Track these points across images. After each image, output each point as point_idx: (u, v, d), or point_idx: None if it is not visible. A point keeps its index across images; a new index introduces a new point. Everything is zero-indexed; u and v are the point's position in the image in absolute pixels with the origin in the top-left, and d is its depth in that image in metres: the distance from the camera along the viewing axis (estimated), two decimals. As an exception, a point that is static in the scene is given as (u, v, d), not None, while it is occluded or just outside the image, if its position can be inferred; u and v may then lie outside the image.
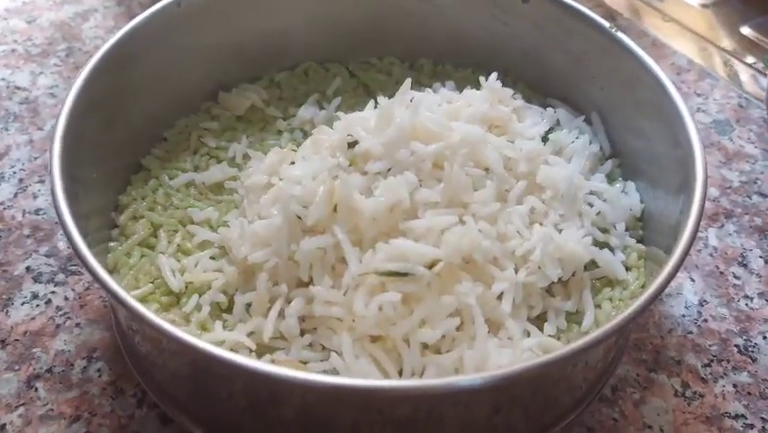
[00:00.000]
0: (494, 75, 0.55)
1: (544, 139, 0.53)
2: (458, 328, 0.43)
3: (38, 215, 0.59)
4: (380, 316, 0.42)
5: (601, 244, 0.49)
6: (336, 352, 0.42)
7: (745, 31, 0.84)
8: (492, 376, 0.36)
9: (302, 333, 0.44)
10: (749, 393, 0.50)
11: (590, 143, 0.55)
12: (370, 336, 0.43)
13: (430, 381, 0.39)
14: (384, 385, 0.37)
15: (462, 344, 0.42)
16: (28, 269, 0.55)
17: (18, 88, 0.70)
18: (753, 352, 0.52)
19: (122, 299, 0.36)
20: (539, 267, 0.45)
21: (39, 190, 0.61)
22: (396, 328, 0.42)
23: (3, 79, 0.71)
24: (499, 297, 0.44)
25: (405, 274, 0.43)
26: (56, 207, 0.41)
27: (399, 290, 0.42)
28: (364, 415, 0.41)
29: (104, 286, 0.37)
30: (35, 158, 0.63)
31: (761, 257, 0.58)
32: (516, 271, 0.45)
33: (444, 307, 0.42)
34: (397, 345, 0.42)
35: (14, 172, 0.62)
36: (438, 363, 0.42)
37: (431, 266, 0.43)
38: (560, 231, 0.47)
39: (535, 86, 0.61)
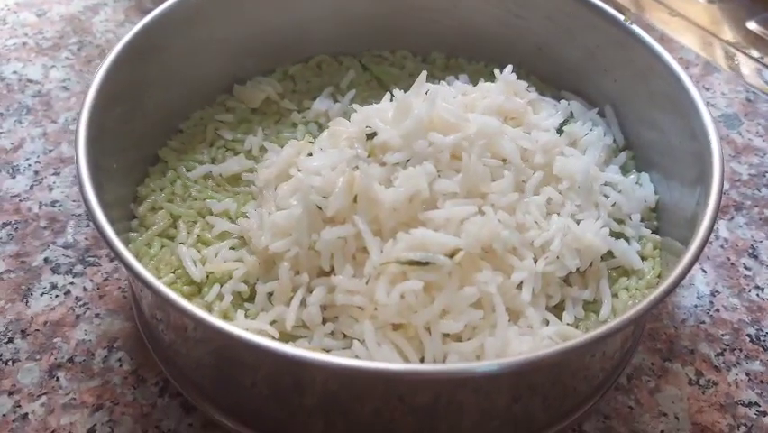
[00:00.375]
0: (509, 67, 0.55)
1: (559, 131, 0.54)
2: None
3: (54, 207, 0.59)
4: (402, 304, 0.42)
5: (617, 235, 0.50)
6: (358, 340, 0.43)
7: (751, 26, 0.85)
8: (513, 362, 0.37)
9: (324, 321, 0.44)
10: (762, 381, 0.51)
11: (604, 135, 0.55)
12: (391, 325, 0.43)
13: (451, 365, 0.40)
14: (406, 369, 0.38)
15: (483, 332, 0.43)
16: (46, 260, 0.55)
17: (30, 81, 0.70)
18: (765, 341, 0.53)
19: (151, 284, 0.37)
20: (557, 257, 0.46)
21: (54, 183, 0.61)
22: (417, 316, 0.42)
23: (15, 72, 0.71)
24: (519, 286, 0.45)
25: (426, 263, 0.43)
26: (83, 196, 0.41)
27: (421, 279, 0.43)
28: (385, 402, 0.41)
29: (133, 272, 0.38)
30: (50, 150, 0.64)
31: (771, 248, 0.59)
32: (535, 260, 0.45)
33: (466, 297, 0.43)
34: (419, 333, 0.43)
35: (29, 165, 0.62)
36: (460, 351, 0.42)
37: (451, 255, 0.43)
38: (577, 222, 0.48)
39: (549, 79, 0.61)
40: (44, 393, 0.48)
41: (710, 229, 0.42)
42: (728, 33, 0.84)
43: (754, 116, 0.71)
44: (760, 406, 0.49)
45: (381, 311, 0.43)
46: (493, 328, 0.43)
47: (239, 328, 0.35)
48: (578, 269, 0.47)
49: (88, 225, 0.58)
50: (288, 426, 0.44)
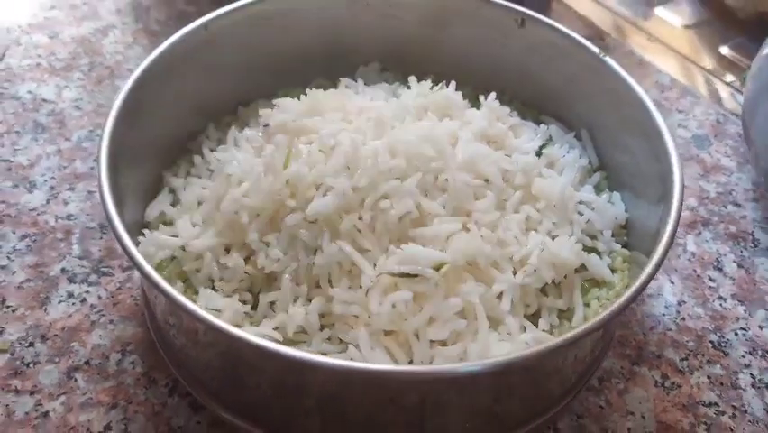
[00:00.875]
0: (492, 94, 0.60)
1: (538, 153, 0.59)
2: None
3: (69, 220, 0.63)
4: (394, 313, 0.47)
5: (590, 249, 0.54)
6: (353, 345, 0.47)
7: (724, 51, 0.90)
8: (493, 362, 0.41)
9: (321, 328, 0.49)
10: (722, 384, 0.55)
11: (580, 157, 0.60)
12: (383, 331, 0.48)
13: (437, 366, 0.44)
14: (396, 369, 0.42)
15: (466, 338, 0.47)
16: (63, 270, 0.60)
17: (45, 101, 0.74)
18: (725, 347, 0.58)
19: (167, 292, 0.41)
20: (535, 270, 0.50)
21: (69, 197, 0.65)
22: (407, 324, 0.47)
23: (29, 92, 0.75)
24: (499, 296, 0.49)
25: (415, 276, 0.48)
26: (104, 207, 0.45)
27: (410, 290, 0.47)
28: (377, 401, 0.46)
29: (149, 279, 0.42)
30: (64, 167, 0.68)
31: (734, 262, 0.64)
32: (515, 273, 0.50)
33: (451, 306, 0.47)
34: (409, 339, 0.47)
35: (45, 180, 0.67)
36: (445, 355, 0.47)
37: (438, 268, 0.48)
38: (553, 238, 0.52)
39: (530, 103, 0.66)
40: (63, 393, 0.52)
41: (670, 243, 0.47)
42: (703, 58, 0.90)
43: (723, 137, 0.76)
44: (719, 406, 0.54)
45: (374, 319, 0.47)
46: (475, 334, 0.48)
47: (246, 333, 0.39)
48: (553, 281, 0.51)
49: (101, 238, 0.62)
50: (289, 423, 0.48)
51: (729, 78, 0.87)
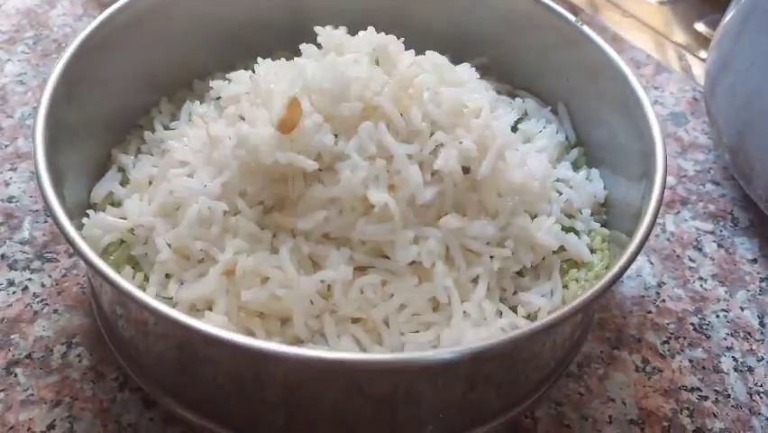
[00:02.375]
0: (465, 65, 0.57)
1: (514, 129, 0.56)
2: (435, 309, 0.45)
3: (11, 202, 0.59)
4: (361, 299, 0.44)
5: (568, 229, 0.52)
6: (318, 333, 0.44)
7: (699, 27, 0.88)
8: (467, 350, 0.38)
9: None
10: (704, 367, 0.53)
11: (557, 133, 0.57)
12: (351, 319, 0.44)
13: (408, 354, 0.41)
14: (364, 358, 0.39)
15: (440, 324, 0.44)
16: (2, 256, 0.55)
17: (-15, 75, 0.69)
18: (707, 330, 0.56)
19: (113, 280, 0.37)
20: (512, 253, 0.47)
21: (11, 178, 0.60)
22: (376, 311, 0.44)
23: (-32, 66, 0.70)
24: (474, 280, 0.46)
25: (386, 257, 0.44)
26: (41, 190, 0.41)
27: (380, 274, 0.44)
28: (345, 393, 0.42)
29: (90, 264, 0.38)
30: (6, 145, 0.63)
31: (714, 241, 0.62)
32: (491, 258, 0.47)
33: (423, 292, 0.44)
34: (378, 326, 0.44)
35: (-16, 160, 0.62)
36: (416, 342, 0.44)
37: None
38: (532, 217, 0.49)
39: (504, 77, 0.63)
40: (1, 390, 0.48)
41: (653, 222, 0.44)
42: (678, 34, 0.88)
43: (700, 114, 0.74)
44: (701, 391, 0.52)
45: (341, 306, 0.44)
46: (449, 320, 0.44)
47: (200, 322, 0.36)
48: (531, 263, 0.49)
49: (46, 222, 0.58)
50: (249, 419, 0.45)
51: (704, 54, 0.85)
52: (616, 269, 0.42)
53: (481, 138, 0.47)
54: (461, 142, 0.46)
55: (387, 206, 0.44)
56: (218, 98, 0.53)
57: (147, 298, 0.37)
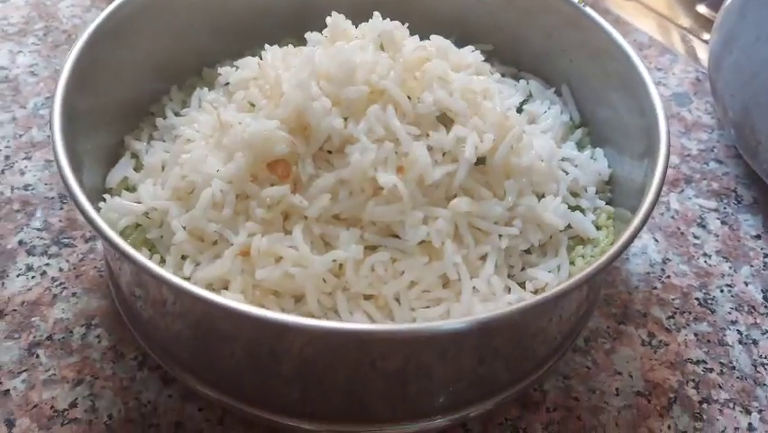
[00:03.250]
0: (469, 47, 0.57)
1: (519, 110, 0.56)
2: (445, 285, 0.46)
3: (26, 190, 0.60)
4: (373, 276, 0.45)
5: (573, 208, 0.53)
6: (332, 310, 0.45)
7: (701, 9, 0.89)
8: (475, 320, 0.39)
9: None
10: (708, 341, 0.54)
11: (561, 114, 0.58)
12: (363, 295, 0.45)
13: (419, 325, 0.42)
14: (377, 329, 0.40)
15: (449, 300, 0.45)
16: (20, 242, 0.56)
17: (-3, 67, 0.70)
18: (711, 304, 0.57)
19: (134, 258, 0.38)
20: (520, 232, 0.48)
21: (26, 167, 0.62)
22: (387, 287, 0.45)
23: (-19, 58, 0.71)
24: (482, 258, 0.47)
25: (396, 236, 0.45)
26: (60, 172, 0.42)
27: (390, 252, 0.45)
28: (358, 367, 0.44)
29: (112, 244, 0.39)
30: (20, 135, 0.64)
31: (717, 219, 0.63)
32: (500, 236, 0.48)
33: (433, 269, 0.45)
34: (389, 303, 0.45)
35: (0, 150, 0.63)
36: (426, 317, 0.45)
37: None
38: (539, 197, 0.50)
39: (509, 61, 0.64)
40: (24, 370, 0.49)
41: (656, 198, 0.45)
42: (680, 17, 0.88)
43: (703, 95, 0.75)
44: (707, 363, 0.53)
45: (352, 283, 0.45)
46: (458, 296, 0.46)
47: (219, 296, 0.37)
48: (539, 242, 0.50)
49: (62, 208, 0.59)
50: (265, 393, 0.46)
51: (706, 36, 0.85)
52: (620, 243, 0.43)
53: (499, 128, 0.48)
54: (481, 141, 0.47)
55: (395, 187, 0.45)
56: (227, 84, 0.54)
57: (169, 274, 0.38)
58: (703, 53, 0.82)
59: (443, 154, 0.47)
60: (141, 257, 0.38)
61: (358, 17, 0.66)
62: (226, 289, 0.45)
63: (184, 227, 0.47)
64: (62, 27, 0.75)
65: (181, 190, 0.48)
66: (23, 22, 0.75)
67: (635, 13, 0.87)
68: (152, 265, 0.38)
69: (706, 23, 0.87)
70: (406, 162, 0.46)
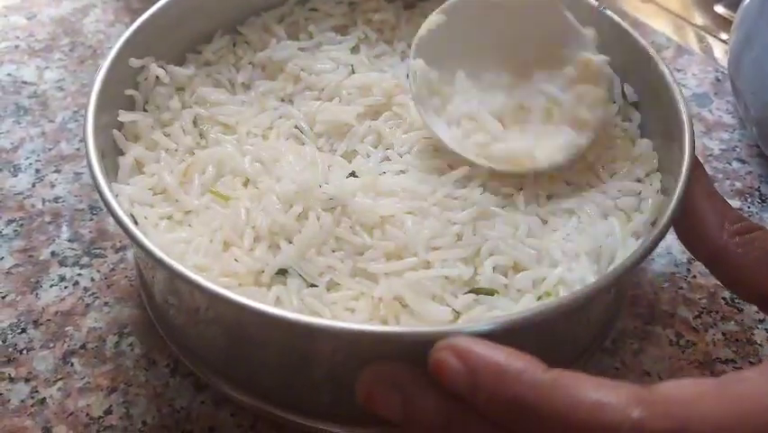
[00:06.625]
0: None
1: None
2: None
3: (57, 202, 0.61)
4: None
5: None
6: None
7: (719, 9, 0.88)
8: (502, 321, 0.40)
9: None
10: (737, 340, 0.54)
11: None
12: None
13: (448, 327, 0.43)
14: (408, 331, 0.40)
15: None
16: (53, 254, 0.57)
17: (25, 83, 0.72)
18: (739, 303, 0.56)
19: (169, 265, 0.39)
20: None
21: (56, 179, 0.63)
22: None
23: (9, 75, 0.72)
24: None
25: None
26: (95, 183, 0.43)
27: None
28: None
29: (150, 255, 0.40)
30: (49, 149, 0.66)
31: (742, 218, 0.63)
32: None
33: None
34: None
35: (30, 164, 0.64)
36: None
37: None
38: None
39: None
40: (60, 379, 0.50)
41: (681, 202, 0.45)
42: (698, 17, 0.88)
43: (723, 95, 0.75)
44: (736, 362, 0.53)
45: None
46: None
47: (254, 301, 0.38)
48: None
49: (91, 220, 0.60)
50: (296, 396, 0.46)
51: (724, 36, 0.85)
52: (648, 243, 0.43)
53: None
54: None
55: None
56: None
57: (204, 280, 0.38)
58: (721, 53, 0.82)
59: None
60: (176, 264, 0.39)
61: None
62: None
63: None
64: (87, 42, 0.77)
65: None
66: (49, 38, 0.77)
67: (651, 14, 0.87)
68: (188, 271, 0.39)
69: (724, 23, 0.87)
70: None
